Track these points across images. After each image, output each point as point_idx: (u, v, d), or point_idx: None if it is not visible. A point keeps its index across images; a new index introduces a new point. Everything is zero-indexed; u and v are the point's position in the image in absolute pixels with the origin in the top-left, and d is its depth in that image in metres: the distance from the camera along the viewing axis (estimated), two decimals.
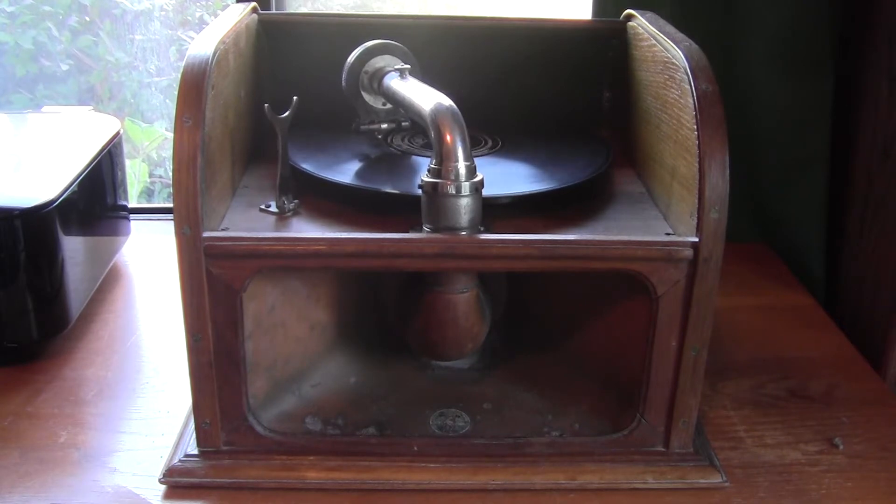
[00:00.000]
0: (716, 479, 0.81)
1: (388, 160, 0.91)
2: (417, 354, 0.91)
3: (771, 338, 1.07)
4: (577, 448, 0.83)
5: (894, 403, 0.95)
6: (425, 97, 0.77)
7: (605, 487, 0.81)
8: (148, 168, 1.77)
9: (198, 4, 1.97)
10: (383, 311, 0.92)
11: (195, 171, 0.72)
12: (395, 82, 0.86)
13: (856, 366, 1.02)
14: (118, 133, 1.16)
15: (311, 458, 0.81)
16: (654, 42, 0.88)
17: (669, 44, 0.83)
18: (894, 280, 1.10)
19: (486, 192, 0.75)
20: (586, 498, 0.80)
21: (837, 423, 0.91)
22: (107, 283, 1.16)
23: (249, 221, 0.80)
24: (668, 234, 0.79)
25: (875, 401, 0.95)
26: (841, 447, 0.87)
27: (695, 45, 0.81)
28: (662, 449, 0.83)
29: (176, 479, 0.80)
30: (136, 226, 1.27)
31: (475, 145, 0.94)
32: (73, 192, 0.98)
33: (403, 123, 0.93)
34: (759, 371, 1.00)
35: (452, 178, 0.72)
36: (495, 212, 0.79)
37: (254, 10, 0.98)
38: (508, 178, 0.87)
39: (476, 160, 0.75)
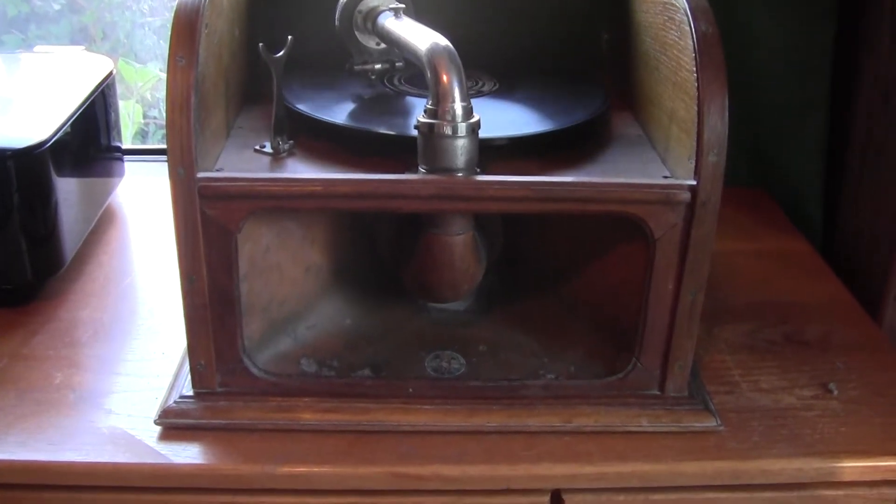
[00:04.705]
0: (710, 422, 0.82)
1: (384, 101, 0.91)
2: (413, 296, 0.91)
3: (767, 283, 1.07)
4: (573, 391, 0.83)
5: (889, 349, 0.95)
6: (421, 37, 0.76)
7: (600, 430, 0.81)
8: (142, 109, 1.75)
9: None
10: (379, 252, 0.91)
11: (189, 112, 0.71)
12: (389, 22, 0.85)
13: (852, 312, 1.02)
14: (111, 73, 1.14)
15: (307, 399, 0.81)
16: None
17: None
18: (892, 227, 1.10)
19: (482, 133, 0.74)
20: (581, 441, 0.80)
21: (833, 368, 0.91)
22: (101, 224, 1.15)
23: (244, 162, 0.79)
24: (665, 176, 0.79)
25: (870, 347, 0.95)
26: (836, 392, 0.87)
27: None
28: (658, 392, 0.83)
29: (171, 421, 0.80)
30: (131, 167, 1.26)
31: (472, 86, 0.93)
32: (67, 133, 0.97)
33: (398, 64, 0.92)
34: (755, 316, 0.99)
35: (449, 118, 0.71)
36: (492, 153, 0.79)
37: None
38: (505, 119, 0.86)
39: (472, 101, 0.74)
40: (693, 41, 0.74)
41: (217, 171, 0.76)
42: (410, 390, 0.82)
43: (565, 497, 0.79)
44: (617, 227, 0.80)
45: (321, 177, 0.74)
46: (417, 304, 0.92)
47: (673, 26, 0.79)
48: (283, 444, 0.79)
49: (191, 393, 0.82)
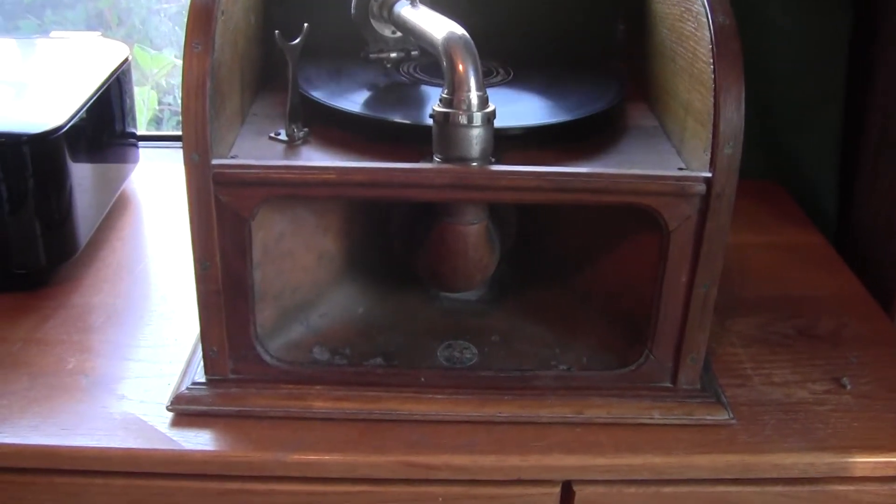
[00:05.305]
0: (722, 415, 0.81)
1: (399, 89, 0.90)
2: (426, 286, 0.91)
3: (780, 276, 1.07)
4: (585, 382, 0.83)
5: None
6: (437, 26, 0.76)
7: (612, 422, 0.81)
8: (157, 96, 1.75)
9: None
10: (392, 241, 0.91)
11: (204, 98, 0.71)
12: (405, 10, 0.85)
13: (865, 306, 1.01)
14: (127, 59, 1.14)
15: (319, 387, 0.81)
16: None
17: None
18: None
19: (497, 123, 0.74)
20: (592, 432, 0.80)
21: (845, 362, 0.91)
22: (115, 210, 1.15)
23: (259, 149, 0.79)
24: (680, 168, 0.78)
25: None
26: (848, 387, 0.87)
27: None
28: (670, 385, 0.83)
29: (183, 407, 0.81)
30: (145, 153, 1.26)
31: (487, 76, 0.93)
32: (82, 119, 0.97)
33: (413, 52, 0.92)
34: (767, 309, 0.99)
35: (464, 107, 0.71)
36: (507, 143, 0.78)
37: None
38: (520, 109, 0.86)
39: (488, 91, 0.73)
40: (710, 32, 0.74)
41: (232, 157, 0.76)
42: (422, 379, 0.82)
43: (576, 488, 0.79)
44: (631, 219, 0.80)
45: (335, 165, 0.74)
46: (430, 293, 0.92)
47: (690, 17, 0.79)
48: (295, 431, 0.79)
49: (203, 379, 0.82)
